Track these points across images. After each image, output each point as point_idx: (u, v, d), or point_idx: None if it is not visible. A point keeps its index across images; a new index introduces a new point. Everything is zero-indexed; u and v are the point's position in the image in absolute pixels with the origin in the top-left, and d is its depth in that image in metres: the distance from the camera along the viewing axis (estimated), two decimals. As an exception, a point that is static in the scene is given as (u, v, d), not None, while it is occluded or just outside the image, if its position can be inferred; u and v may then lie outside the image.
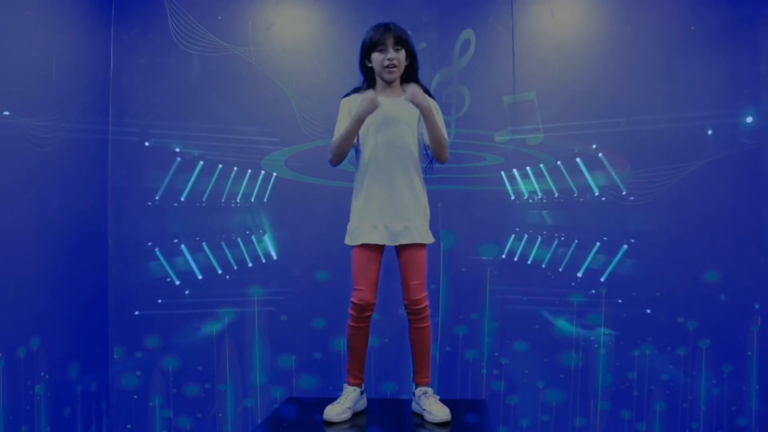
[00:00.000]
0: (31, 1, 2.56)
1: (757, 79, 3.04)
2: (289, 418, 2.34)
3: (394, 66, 2.22)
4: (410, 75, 2.31)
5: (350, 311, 2.26)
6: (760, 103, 3.03)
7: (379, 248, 2.24)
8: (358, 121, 2.18)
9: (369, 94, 2.19)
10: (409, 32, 2.29)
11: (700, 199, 3.04)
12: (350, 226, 2.27)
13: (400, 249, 2.25)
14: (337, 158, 2.24)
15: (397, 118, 2.23)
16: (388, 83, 2.27)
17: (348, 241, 2.26)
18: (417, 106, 2.17)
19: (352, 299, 2.25)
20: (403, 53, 2.23)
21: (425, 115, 2.18)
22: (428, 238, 2.26)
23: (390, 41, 2.21)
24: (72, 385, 2.83)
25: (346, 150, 2.23)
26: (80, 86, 2.91)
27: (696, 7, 3.09)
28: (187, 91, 3.14)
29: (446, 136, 2.25)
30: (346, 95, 2.32)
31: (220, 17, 3.16)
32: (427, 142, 2.24)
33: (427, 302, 2.25)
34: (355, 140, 2.24)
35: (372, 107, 2.16)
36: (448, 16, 3.15)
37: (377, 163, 2.22)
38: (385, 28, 2.23)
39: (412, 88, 2.18)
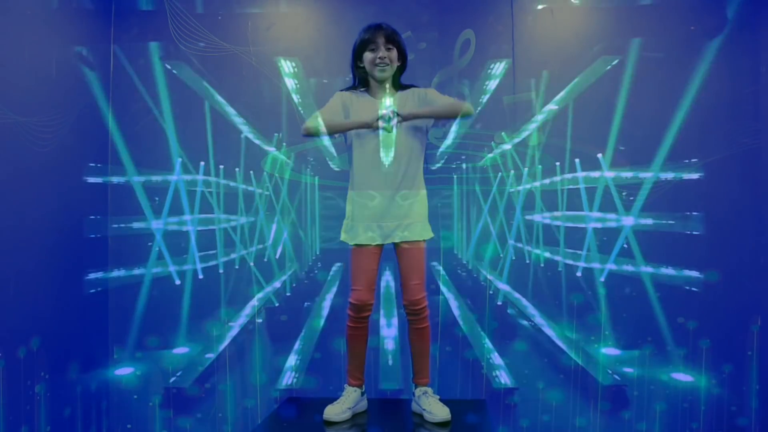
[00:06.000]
0: (31, 1, 2.56)
1: (757, 79, 3.04)
2: (289, 418, 2.33)
3: (386, 64, 2.21)
4: (397, 75, 2.28)
5: (348, 312, 2.27)
6: (760, 103, 3.03)
7: (377, 248, 2.24)
8: (353, 127, 2.17)
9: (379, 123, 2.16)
10: (403, 35, 2.28)
11: (700, 198, 3.04)
12: (346, 223, 2.27)
13: (399, 248, 2.25)
14: (310, 136, 2.18)
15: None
16: (380, 82, 2.25)
17: (343, 237, 2.26)
18: (407, 119, 2.14)
19: (350, 299, 2.25)
20: (394, 52, 2.22)
21: (416, 116, 2.15)
22: (424, 234, 2.24)
23: (381, 40, 2.20)
24: (72, 385, 2.83)
25: (321, 136, 2.18)
26: (80, 86, 2.91)
27: (696, 7, 3.09)
28: (187, 92, 3.14)
29: (454, 104, 2.18)
30: (344, 90, 2.31)
31: (220, 17, 3.16)
32: (445, 121, 2.25)
33: (426, 302, 2.25)
34: (343, 138, 2.27)
35: (375, 126, 2.14)
36: (448, 16, 3.15)
37: (374, 163, 2.21)
38: (377, 27, 2.22)
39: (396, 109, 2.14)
